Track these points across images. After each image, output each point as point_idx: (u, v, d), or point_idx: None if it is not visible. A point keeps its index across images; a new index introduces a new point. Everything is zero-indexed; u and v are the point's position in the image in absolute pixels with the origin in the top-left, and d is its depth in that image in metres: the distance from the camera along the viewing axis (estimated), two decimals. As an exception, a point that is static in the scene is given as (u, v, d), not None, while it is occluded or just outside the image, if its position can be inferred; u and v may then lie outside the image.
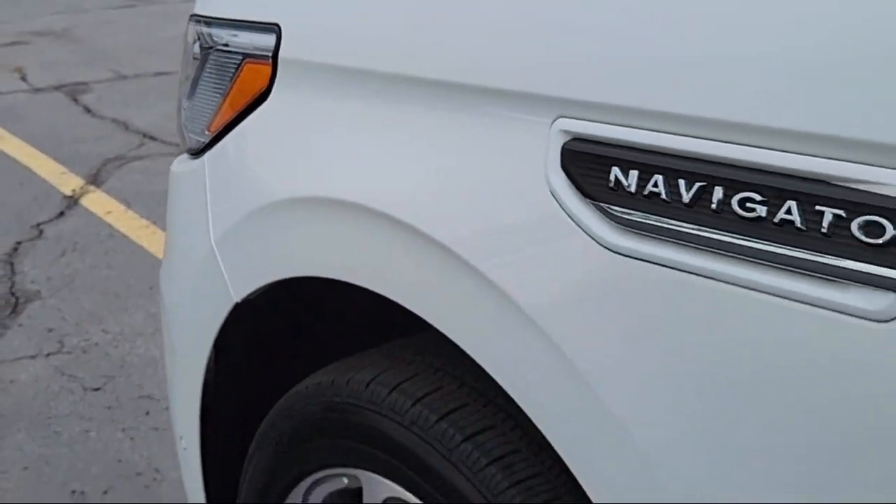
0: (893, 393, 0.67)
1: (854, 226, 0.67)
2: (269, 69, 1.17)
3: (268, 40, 1.16)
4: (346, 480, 1.18)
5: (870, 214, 0.66)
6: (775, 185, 0.71)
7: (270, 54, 1.16)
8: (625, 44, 0.81)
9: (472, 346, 0.96)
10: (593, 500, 0.88)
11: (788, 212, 0.70)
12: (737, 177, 0.73)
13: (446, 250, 0.95)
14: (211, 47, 1.28)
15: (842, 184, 0.68)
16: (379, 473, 1.12)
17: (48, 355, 2.84)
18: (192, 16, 1.34)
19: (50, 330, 2.98)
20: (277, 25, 1.15)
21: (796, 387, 0.72)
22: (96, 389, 2.66)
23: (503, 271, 0.91)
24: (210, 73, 1.29)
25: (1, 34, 7.22)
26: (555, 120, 0.85)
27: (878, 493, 0.69)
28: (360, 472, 1.15)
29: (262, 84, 1.18)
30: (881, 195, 0.66)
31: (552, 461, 0.99)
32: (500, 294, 0.91)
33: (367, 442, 1.12)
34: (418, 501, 1.08)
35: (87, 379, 2.71)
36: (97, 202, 3.95)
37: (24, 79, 5.95)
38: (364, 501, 1.16)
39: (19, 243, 3.59)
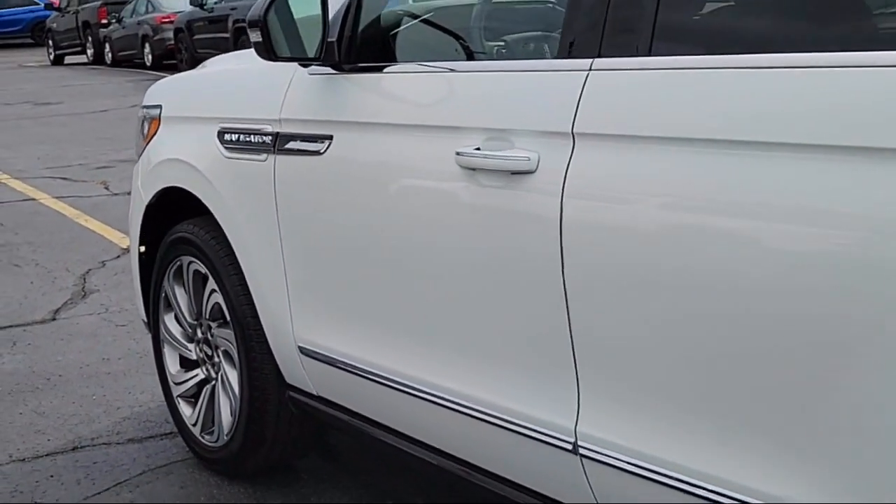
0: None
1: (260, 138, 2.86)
2: (158, 122, 3.40)
3: (158, 111, 3.40)
4: (178, 264, 3.34)
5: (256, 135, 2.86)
6: (241, 133, 2.90)
7: (159, 116, 3.39)
8: (229, 103, 3.03)
9: (213, 207, 3.11)
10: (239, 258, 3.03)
11: (240, 137, 2.90)
12: (231, 132, 2.92)
13: (199, 171, 3.13)
14: (145, 117, 3.52)
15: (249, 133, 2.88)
16: (189, 255, 3.28)
17: (99, 314, 5.06)
18: (141, 106, 3.59)
19: (101, 304, 5.21)
20: (161, 105, 3.39)
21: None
22: (122, 325, 4.86)
23: (211, 170, 3.08)
24: (143, 128, 3.53)
25: (97, 161, 9.75)
26: (218, 126, 3.05)
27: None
28: (182, 258, 3.31)
29: (156, 128, 3.41)
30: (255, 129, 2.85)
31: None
32: (209, 182, 3.08)
33: (189, 245, 3.27)
34: (198, 263, 3.23)
35: (118, 321, 4.92)
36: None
37: (106, 188, 8.38)
38: (184, 271, 3.32)
39: (90, 269, 5.86)
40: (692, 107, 1.85)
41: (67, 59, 25.92)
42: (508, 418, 2.20)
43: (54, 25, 26.79)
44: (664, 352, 1.90)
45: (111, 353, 4.51)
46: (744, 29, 1.93)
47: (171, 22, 20.92)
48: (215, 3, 19.50)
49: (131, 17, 22.83)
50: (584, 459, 2.06)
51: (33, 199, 8.09)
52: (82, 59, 25.44)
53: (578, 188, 1.99)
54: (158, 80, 3.78)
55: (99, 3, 25.32)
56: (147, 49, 21.61)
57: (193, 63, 19.32)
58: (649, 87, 1.92)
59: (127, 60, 22.83)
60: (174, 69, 19.89)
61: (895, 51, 1.59)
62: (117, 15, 23.67)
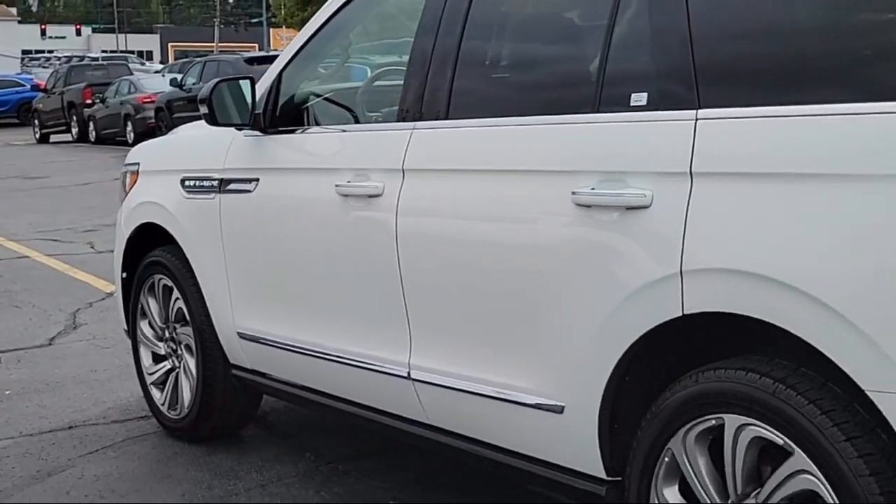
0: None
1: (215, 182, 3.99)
2: (136, 175, 4.52)
3: (137, 167, 4.53)
4: (151, 281, 4.43)
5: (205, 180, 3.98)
6: (196, 180, 4.02)
7: (137, 171, 4.52)
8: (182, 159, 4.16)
9: (177, 235, 4.21)
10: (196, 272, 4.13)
11: (196, 183, 4.02)
12: (190, 179, 4.04)
13: (167, 209, 4.25)
14: (126, 172, 4.65)
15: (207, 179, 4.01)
16: (160, 274, 4.37)
17: (88, 340, 6.12)
18: (123, 164, 4.72)
19: (90, 333, 6.28)
20: (139, 162, 4.53)
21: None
22: (107, 348, 5.92)
23: (176, 208, 4.19)
24: (125, 181, 4.65)
25: (83, 226, 10.85)
26: (181, 175, 4.17)
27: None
28: (155, 276, 4.40)
29: (134, 180, 4.53)
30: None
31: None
32: (174, 216, 4.19)
33: (159, 266, 4.36)
34: (167, 279, 4.33)
35: (103, 345, 5.98)
36: (123, 295, 7.27)
37: (92, 247, 9.48)
38: (155, 286, 4.41)
39: (79, 308, 6.94)
40: (468, 148, 2.98)
41: (53, 138, 27.14)
42: (368, 361, 3.30)
43: (40, 106, 28.04)
44: (461, 307, 3.00)
45: (98, 366, 5.57)
46: (497, 101, 3.09)
47: (153, 102, 22.23)
48: (194, 83, 20.81)
49: (114, 97, 24.13)
50: (415, 382, 3.15)
51: (27, 257, 9.18)
52: (67, 137, 26.67)
53: (405, 206, 3.11)
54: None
55: (84, 84, 26.63)
56: (129, 127, 22.85)
57: (173, 140, 20.59)
58: (445, 137, 3.06)
59: (109, 138, 24.04)
60: (155, 146, 21.14)
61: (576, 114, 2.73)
62: (101, 95, 24.96)
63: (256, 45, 70.33)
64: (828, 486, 2.15)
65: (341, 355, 3.41)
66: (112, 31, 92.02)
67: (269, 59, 18.49)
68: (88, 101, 25.70)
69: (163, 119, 21.38)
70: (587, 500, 2.76)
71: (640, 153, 2.51)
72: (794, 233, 2.19)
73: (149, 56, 76.42)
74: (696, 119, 2.40)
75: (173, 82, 22.22)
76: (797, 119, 2.23)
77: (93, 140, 25.08)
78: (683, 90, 2.45)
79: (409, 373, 3.16)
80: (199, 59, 23.31)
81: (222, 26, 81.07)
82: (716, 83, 2.41)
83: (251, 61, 19.78)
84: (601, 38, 2.68)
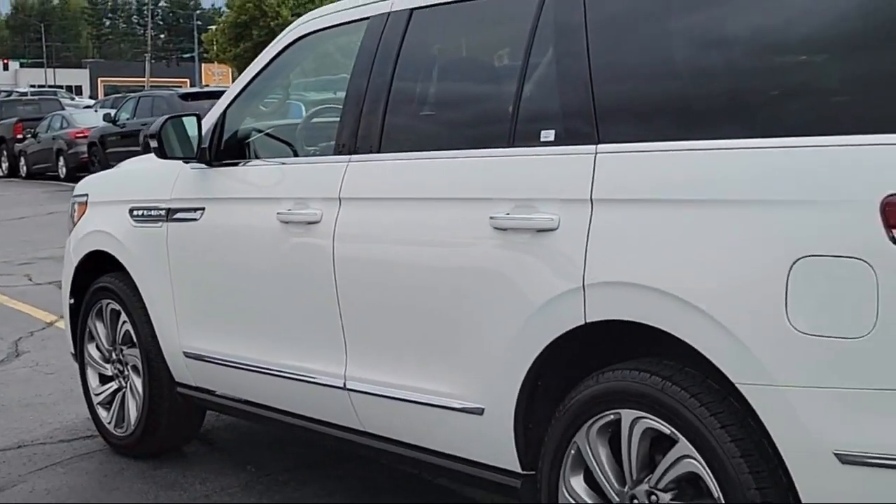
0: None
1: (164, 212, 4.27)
2: (85, 206, 4.78)
3: (85, 198, 4.79)
4: (99, 306, 4.68)
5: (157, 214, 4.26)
6: (145, 210, 4.30)
7: (86, 202, 4.78)
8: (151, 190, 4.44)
9: (125, 262, 4.48)
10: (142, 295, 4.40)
11: (144, 212, 4.29)
12: (138, 209, 4.32)
13: (115, 238, 4.51)
14: (75, 203, 4.90)
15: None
16: (108, 299, 4.62)
17: (31, 367, 6.32)
18: (72, 196, 4.97)
19: (33, 360, 6.47)
20: (87, 194, 4.78)
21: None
22: (51, 374, 6.12)
23: (124, 236, 4.46)
24: (73, 211, 4.90)
25: (19, 259, 10.97)
26: (129, 206, 4.44)
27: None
28: (103, 301, 4.65)
29: (83, 211, 4.79)
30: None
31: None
32: (122, 244, 4.46)
33: (108, 291, 4.62)
34: (114, 303, 4.58)
35: (47, 371, 6.18)
36: (62, 324, 7.46)
37: (30, 279, 9.61)
38: (103, 311, 4.65)
39: (20, 338, 7.12)
40: (398, 179, 3.32)
41: (-18, 173, 26.97)
42: (307, 374, 3.60)
43: (-31, 141, 27.86)
44: (392, 323, 3.32)
45: (42, 391, 5.78)
46: (424, 136, 3.43)
47: (85, 137, 22.27)
48: (127, 119, 20.94)
49: (46, 132, 24.11)
50: (350, 392, 3.46)
51: (-35, 289, 9.31)
52: (-3, 172, 26.56)
53: (342, 231, 3.43)
54: (73, 190, 5.15)
55: (15, 119, 26.54)
56: (62, 162, 22.86)
57: (106, 174, 20.61)
58: (378, 169, 3.40)
59: (40, 173, 23.98)
60: (87, 180, 21.13)
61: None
62: (33, 130, 24.90)
63: (188, 80, 70.23)
64: (706, 468, 2.50)
65: (282, 370, 3.70)
66: (40, 65, 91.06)
67: (204, 95, 18.79)
68: (20, 136, 25.61)
69: (96, 154, 21.45)
70: (504, 493, 3.08)
71: (549, 183, 2.86)
72: (677, 250, 2.55)
73: (78, 91, 75.87)
74: (596, 153, 2.76)
75: (106, 117, 22.29)
76: (679, 153, 2.60)
77: (24, 175, 24.98)
78: (585, 128, 2.81)
79: (344, 383, 3.46)
80: (132, 94, 23.42)
81: (153, 61, 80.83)
82: (612, 122, 2.78)
83: (186, 97, 19.98)
84: (515, 81, 3.04)
